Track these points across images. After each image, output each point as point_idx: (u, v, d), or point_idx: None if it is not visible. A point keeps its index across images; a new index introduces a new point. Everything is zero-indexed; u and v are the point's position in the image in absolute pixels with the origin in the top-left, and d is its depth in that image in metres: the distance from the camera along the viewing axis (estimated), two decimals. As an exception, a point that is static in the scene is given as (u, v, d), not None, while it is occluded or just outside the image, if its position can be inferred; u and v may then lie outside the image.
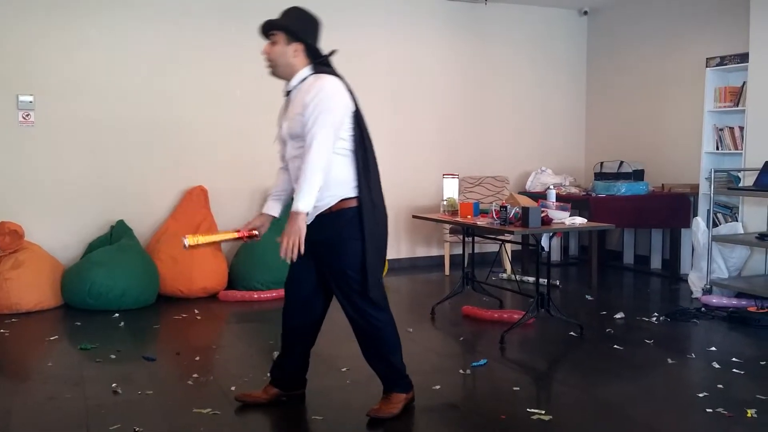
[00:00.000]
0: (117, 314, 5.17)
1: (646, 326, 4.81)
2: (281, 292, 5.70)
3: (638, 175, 6.83)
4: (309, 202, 2.84)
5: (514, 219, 4.40)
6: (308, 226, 2.95)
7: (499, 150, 7.53)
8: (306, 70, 3.00)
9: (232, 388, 3.56)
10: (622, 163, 6.96)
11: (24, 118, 5.75)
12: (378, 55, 6.86)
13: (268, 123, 6.29)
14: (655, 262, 6.98)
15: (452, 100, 7.28)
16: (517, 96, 7.61)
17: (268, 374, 3.43)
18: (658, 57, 7.01)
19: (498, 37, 7.46)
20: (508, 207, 4.43)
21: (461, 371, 3.86)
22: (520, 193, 6.44)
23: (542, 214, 4.38)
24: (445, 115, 7.28)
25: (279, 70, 3.03)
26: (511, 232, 4.44)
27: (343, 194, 2.98)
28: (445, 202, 5.04)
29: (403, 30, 6.97)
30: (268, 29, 3.02)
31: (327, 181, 2.91)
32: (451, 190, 5.11)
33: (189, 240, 2.95)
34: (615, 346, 4.31)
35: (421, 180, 7.08)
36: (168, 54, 6.16)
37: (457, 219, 4.80)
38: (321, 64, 3.02)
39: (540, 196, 5.15)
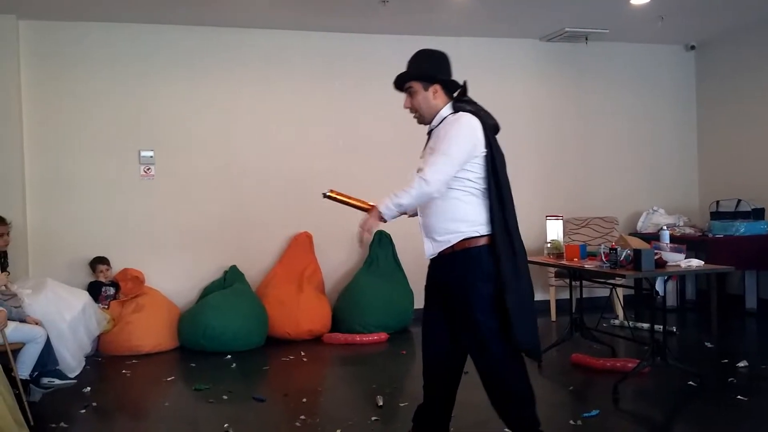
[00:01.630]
0: (229, 356, 5.35)
1: (773, 376, 4.49)
2: (382, 335, 5.83)
3: (758, 213, 6.47)
4: (391, 210, 2.80)
5: (625, 262, 4.24)
6: (431, 265, 2.92)
7: (606, 189, 7.33)
8: (446, 109, 2.96)
9: (338, 431, 3.58)
10: (740, 201, 6.61)
11: (145, 171, 6.15)
12: (478, 97, 6.87)
13: (366, 169, 6.49)
14: (782, 307, 6.53)
15: (555, 139, 7.18)
16: (624, 134, 7.41)
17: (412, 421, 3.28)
18: (775, 89, 6.67)
19: (601, 75, 7.33)
20: (619, 249, 4.28)
21: (572, 422, 3.71)
22: (630, 234, 6.23)
23: (656, 257, 4.20)
24: (547, 155, 7.18)
25: (426, 117, 3.00)
26: (623, 276, 4.28)
27: (468, 233, 2.85)
28: (549, 245, 4.93)
29: (504, 72, 6.97)
30: (402, 83, 3.01)
31: (453, 219, 2.85)
32: (555, 231, 4.99)
33: (330, 192, 3.02)
34: (738, 397, 4.03)
35: (523, 221, 6.87)
36: (276, 110, 6.45)
37: (563, 262, 4.68)
38: (460, 101, 2.97)
39: (652, 238, 4.96)
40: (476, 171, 2.85)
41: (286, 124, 6.48)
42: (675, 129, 7.58)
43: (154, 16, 5.96)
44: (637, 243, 4.48)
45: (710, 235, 6.19)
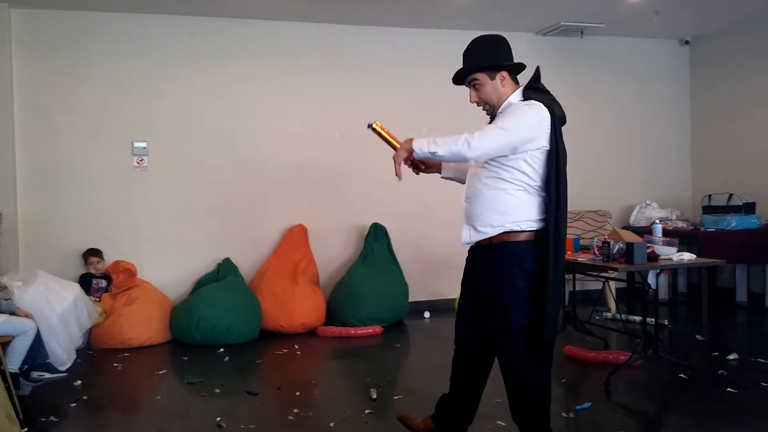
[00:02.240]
0: (222, 349, 5.34)
1: (762, 368, 4.51)
2: (377, 329, 5.83)
3: (749, 208, 6.50)
4: (423, 150, 2.69)
5: (617, 255, 4.26)
6: (468, 257, 2.85)
7: (600, 183, 7.34)
8: (516, 95, 2.81)
9: (331, 425, 3.59)
10: (731, 195, 6.63)
11: (138, 163, 6.11)
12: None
13: (364, 162, 6.48)
14: (772, 300, 6.56)
15: (549, 134, 7.17)
16: (617, 128, 7.43)
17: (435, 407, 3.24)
18: (766, 84, 6.68)
19: (595, 70, 7.33)
20: (612, 242, 4.29)
21: (564, 414, 3.73)
22: (623, 227, 6.24)
23: (648, 250, 4.22)
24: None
25: (495, 108, 2.84)
26: (615, 269, 4.30)
27: (509, 227, 2.73)
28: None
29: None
30: (464, 77, 2.86)
31: (497, 209, 2.74)
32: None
33: (376, 125, 2.95)
34: (728, 389, 4.06)
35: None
36: (271, 101, 6.42)
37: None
38: (531, 88, 2.83)
39: (645, 231, 4.97)
40: (534, 166, 2.71)
41: (281, 116, 6.45)
42: (668, 123, 7.60)
43: (147, 6, 5.92)
44: (629, 236, 4.49)
45: (702, 229, 6.22)
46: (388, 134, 2.94)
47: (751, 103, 6.87)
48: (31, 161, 5.87)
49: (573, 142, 7.12)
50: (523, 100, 2.78)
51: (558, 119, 2.75)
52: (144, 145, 6.11)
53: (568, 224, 6.74)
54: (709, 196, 6.90)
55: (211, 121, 6.29)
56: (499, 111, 2.82)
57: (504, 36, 2.90)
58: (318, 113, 6.52)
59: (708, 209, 6.80)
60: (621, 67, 7.42)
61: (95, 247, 5.90)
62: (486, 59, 2.81)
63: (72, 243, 5.91)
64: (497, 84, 2.81)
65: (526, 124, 2.67)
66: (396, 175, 2.74)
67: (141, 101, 6.11)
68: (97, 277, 5.80)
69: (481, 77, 2.81)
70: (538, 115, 2.69)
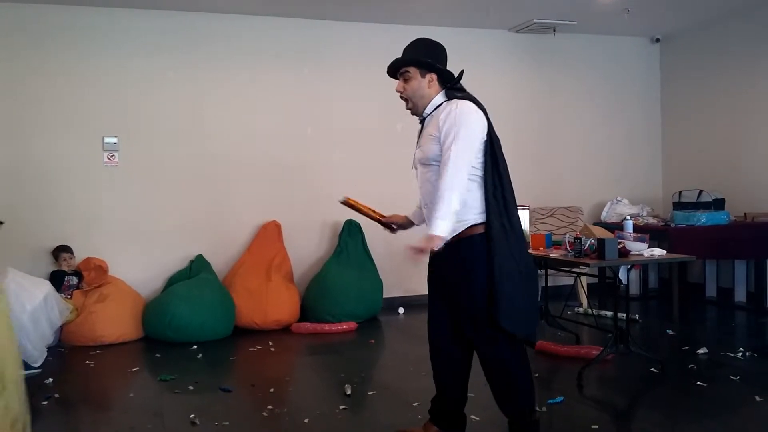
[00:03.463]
0: (195, 346, 5.30)
1: (731, 362, 4.59)
2: (351, 325, 5.83)
3: (718, 204, 6.60)
4: (446, 226, 2.70)
5: (589, 251, 4.30)
6: (437, 257, 2.89)
7: (572, 180, 7.41)
8: (440, 97, 2.96)
9: (306, 420, 3.59)
10: (701, 192, 6.74)
11: (109, 158, 6.04)
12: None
13: (337, 159, 6.48)
14: (740, 295, 6.67)
15: (521, 131, 7.21)
16: (589, 125, 7.50)
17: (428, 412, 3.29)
18: (736, 81, 6.80)
19: (567, 67, 7.40)
20: (583, 238, 4.34)
21: (537, 408, 3.76)
22: (594, 224, 6.31)
23: (619, 246, 4.27)
24: (514, 146, 7.17)
25: (417, 105, 2.98)
26: (587, 265, 4.35)
27: (473, 220, 2.85)
28: (516, 234, 4.97)
29: (471, 62, 6.88)
30: (399, 68, 2.98)
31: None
32: (521, 221, 5.03)
33: (347, 199, 3.08)
34: (698, 383, 4.13)
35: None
36: (244, 98, 6.37)
37: (528, 251, 4.72)
38: (453, 89, 2.96)
39: (616, 227, 5.03)
40: (479, 157, 2.85)
41: (255, 113, 6.41)
42: (639, 120, 7.69)
43: (118, 0, 5.84)
44: (600, 232, 4.54)
45: (672, 225, 6.30)
46: (360, 204, 3.09)
47: (721, 100, 6.98)
48: (0, 157, 5.78)
49: (544, 139, 7.33)
50: (448, 100, 2.92)
51: (485, 111, 2.92)
52: (115, 140, 6.04)
53: (540, 221, 6.88)
54: (680, 192, 7.00)
55: (183, 116, 6.23)
56: (427, 111, 2.96)
57: (444, 45, 3.04)
58: (290, 109, 6.48)
59: (678, 205, 6.89)
60: (593, 65, 7.49)
61: (65, 243, 5.82)
62: (423, 56, 2.94)
63: (42, 240, 5.82)
64: (425, 83, 2.95)
65: (471, 122, 2.82)
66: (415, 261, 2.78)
67: (112, 96, 6.03)
68: (69, 274, 5.72)
69: (413, 72, 2.95)
70: (470, 108, 2.85)
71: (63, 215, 5.91)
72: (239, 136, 6.36)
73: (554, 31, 7.06)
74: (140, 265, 6.04)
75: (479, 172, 2.85)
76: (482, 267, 2.82)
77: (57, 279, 5.60)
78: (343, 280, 6.05)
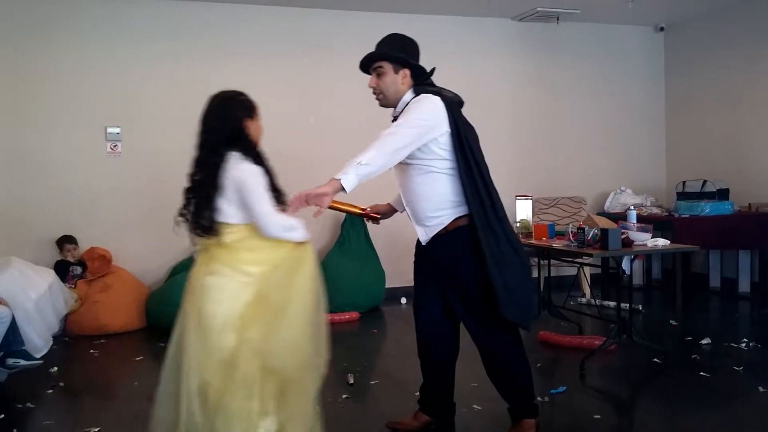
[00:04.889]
0: (198, 336, 5.30)
1: (734, 353, 4.59)
2: (353, 315, 5.84)
3: (723, 194, 6.57)
4: (352, 179, 2.69)
5: (592, 241, 4.29)
6: (426, 248, 2.97)
7: (575, 170, 7.39)
8: (409, 94, 2.98)
9: (309, 411, 3.59)
10: (705, 182, 6.72)
11: (112, 149, 6.04)
12: (448, 77, 6.84)
13: (339, 148, 6.43)
14: (744, 285, 6.65)
15: (525, 120, 7.21)
16: (593, 114, 7.47)
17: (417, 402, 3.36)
18: (741, 71, 6.76)
19: (571, 56, 7.36)
20: (586, 228, 4.33)
21: (539, 398, 3.76)
22: (598, 214, 6.30)
23: (623, 236, 4.26)
24: (517, 136, 7.21)
25: (389, 100, 3.01)
26: (590, 255, 4.34)
27: (458, 212, 2.92)
28: (518, 224, 4.96)
29: (474, 51, 6.96)
30: (371, 62, 3.00)
31: (438, 201, 2.91)
32: (524, 211, 5.03)
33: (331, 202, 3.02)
34: (701, 374, 4.13)
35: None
36: (247, 87, 6.26)
37: (531, 241, 4.73)
38: (423, 84, 2.99)
39: (620, 217, 5.02)
40: (449, 149, 2.88)
41: (257, 101, 6.38)
42: (643, 110, 7.66)
43: (120, -10, 5.84)
44: (604, 222, 4.53)
45: (676, 214, 6.28)
46: (343, 204, 3.11)
47: (725, 89, 6.95)
48: (3, 147, 5.77)
49: (548, 129, 7.30)
50: (415, 96, 2.94)
51: (453, 104, 2.93)
52: (118, 130, 6.03)
53: (543, 211, 6.87)
54: (684, 182, 6.98)
55: (186, 106, 6.16)
56: (398, 110, 2.99)
57: (417, 42, 3.05)
58: (292, 99, 6.46)
59: (682, 195, 6.87)
60: (596, 54, 7.45)
61: (70, 233, 5.83)
62: (396, 52, 2.97)
63: (46, 230, 5.83)
64: (398, 79, 2.96)
65: (426, 114, 2.83)
66: (315, 215, 2.82)
67: (114, 87, 6.03)
68: (73, 263, 5.74)
69: (386, 67, 2.96)
70: (432, 103, 2.86)
71: (67, 205, 5.92)
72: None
73: (557, 19, 7.02)
74: (144, 255, 6.05)
75: (450, 165, 2.88)
76: (468, 258, 2.88)
77: (62, 269, 5.62)
78: (345, 270, 6.05)
